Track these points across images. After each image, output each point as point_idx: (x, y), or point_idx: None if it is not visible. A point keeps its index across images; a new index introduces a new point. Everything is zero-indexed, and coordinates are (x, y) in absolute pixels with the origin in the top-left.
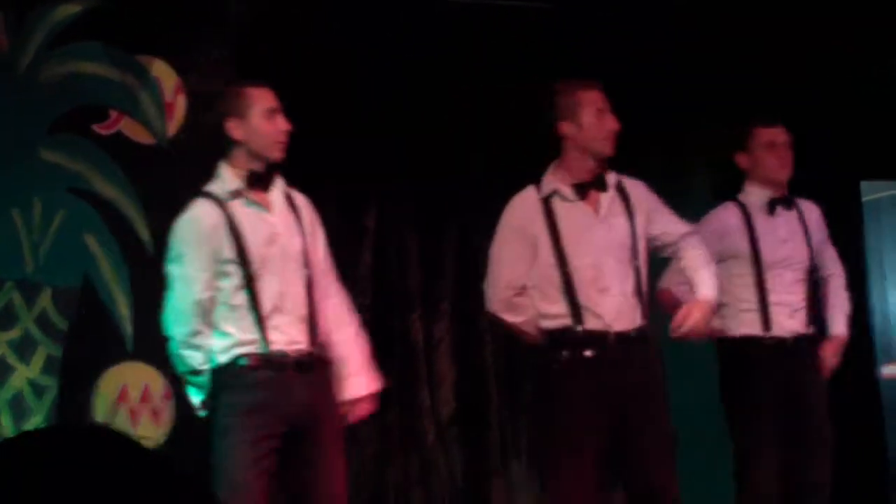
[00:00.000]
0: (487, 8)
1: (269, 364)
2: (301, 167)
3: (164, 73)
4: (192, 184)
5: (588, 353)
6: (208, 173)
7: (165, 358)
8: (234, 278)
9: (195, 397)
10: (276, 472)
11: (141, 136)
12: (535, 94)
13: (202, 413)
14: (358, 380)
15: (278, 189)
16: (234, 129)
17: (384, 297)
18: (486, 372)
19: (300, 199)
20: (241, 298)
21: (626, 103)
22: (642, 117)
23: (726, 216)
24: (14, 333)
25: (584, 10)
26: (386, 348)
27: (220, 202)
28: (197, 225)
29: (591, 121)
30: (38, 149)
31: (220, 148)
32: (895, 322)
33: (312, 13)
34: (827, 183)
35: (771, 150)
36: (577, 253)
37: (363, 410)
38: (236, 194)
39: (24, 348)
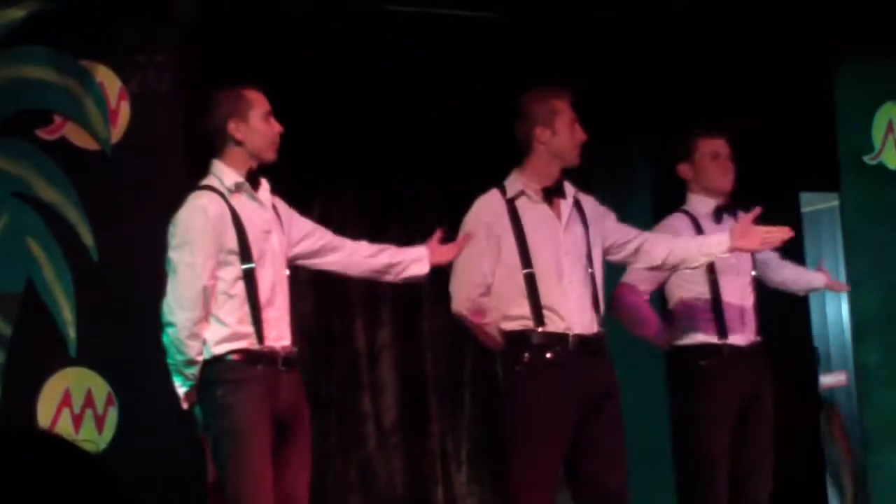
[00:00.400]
0: (435, 18)
1: (264, 359)
2: None
3: (108, 79)
4: (135, 189)
5: (549, 354)
6: (151, 179)
7: (109, 363)
8: (234, 269)
9: (182, 388)
10: None
11: (85, 141)
12: (484, 101)
13: (187, 405)
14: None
15: (266, 190)
16: (236, 129)
17: (326, 304)
18: (427, 380)
19: (280, 204)
20: (239, 289)
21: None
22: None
23: (677, 225)
24: None
25: (532, 22)
26: (327, 354)
27: (222, 195)
28: (204, 214)
29: (566, 129)
30: None
31: (163, 154)
32: (833, 331)
33: (256, 15)
34: (768, 195)
35: (714, 160)
36: (540, 255)
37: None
38: (239, 187)
39: None
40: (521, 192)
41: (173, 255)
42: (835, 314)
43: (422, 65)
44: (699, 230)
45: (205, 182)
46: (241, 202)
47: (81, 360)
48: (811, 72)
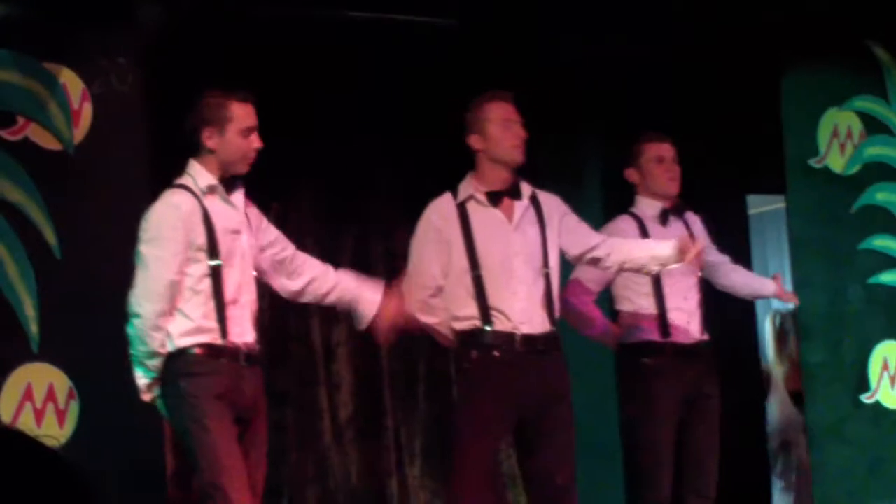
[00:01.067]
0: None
1: (226, 354)
2: None
3: (71, 81)
4: (97, 188)
5: (496, 353)
6: (113, 179)
7: (70, 359)
8: (202, 265)
9: (143, 379)
10: None
11: (48, 142)
12: (442, 106)
13: (148, 396)
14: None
15: (239, 193)
16: (209, 138)
17: (283, 301)
18: (382, 376)
19: (249, 204)
20: (206, 285)
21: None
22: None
23: (623, 227)
24: None
25: (489, 27)
26: (284, 351)
27: (195, 194)
28: (176, 211)
29: (498, 133)
30: None
31: (125, 154)
32: (778, 326)
33: (219, 18)
34: (715, 197)
35: (660, 164)
36: (488, 256)
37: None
38: (212, 190)
39: None
40: (471, 196)
41: (143, 248)
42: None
43: (381, 70)
44: (644, 232)
45: (180, 181)
46: (213, 203)
47: (43, 356)
48: (758, 79)
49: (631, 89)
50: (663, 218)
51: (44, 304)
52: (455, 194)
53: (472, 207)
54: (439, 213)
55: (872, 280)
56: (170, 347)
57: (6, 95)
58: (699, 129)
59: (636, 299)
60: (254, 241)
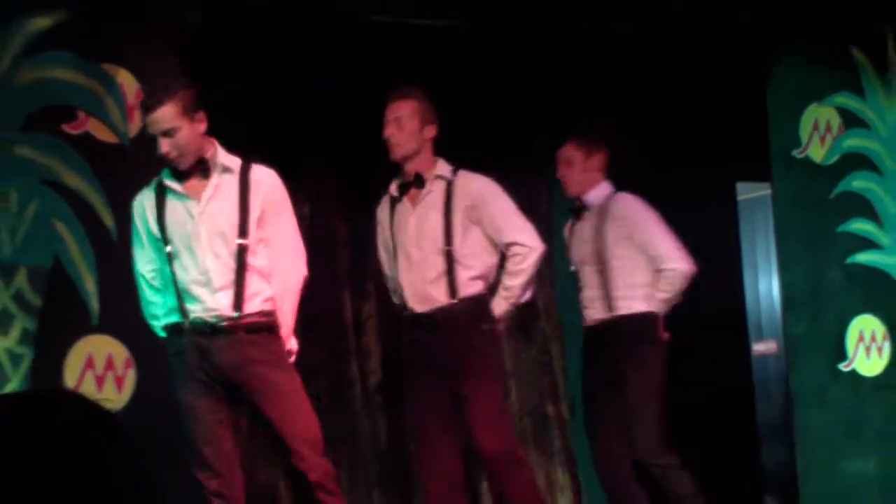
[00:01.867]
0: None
1: (187, 331)
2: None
3: (126, 81)
4: (149, 177)
5: (407, 332)
6: (162, 168)
7: (127, 331)
8: (163, 255)
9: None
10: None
11: (105, 135)
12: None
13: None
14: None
15: (218, 174)
16: None
17: (318, 278)
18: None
19: (256, 178)
20: (168, 272)
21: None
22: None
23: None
24: None
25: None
26: (319, 324)
27: (156, 189)
28: (135, 208)
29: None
30: (14, 145)
31: None
32: (765, 304)
33: (253, 27)
34: (707, 185)
35: (568, 166)
36: (398, 243)
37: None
38: (159, 183)
39: (2, 322)
40: (388, 192)
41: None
42: (766, 288)
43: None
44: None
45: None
46: (168, 197)
47: (103, 329)
48: (747, 78)
49: (630, 87)
50: (576, 213)
51: (103, 282)
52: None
53: (388, 200)
54: (380, 210)
55: (850, 260)
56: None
57: (69, 93)
58: (693, 123)
59: None
60: (234, 216)
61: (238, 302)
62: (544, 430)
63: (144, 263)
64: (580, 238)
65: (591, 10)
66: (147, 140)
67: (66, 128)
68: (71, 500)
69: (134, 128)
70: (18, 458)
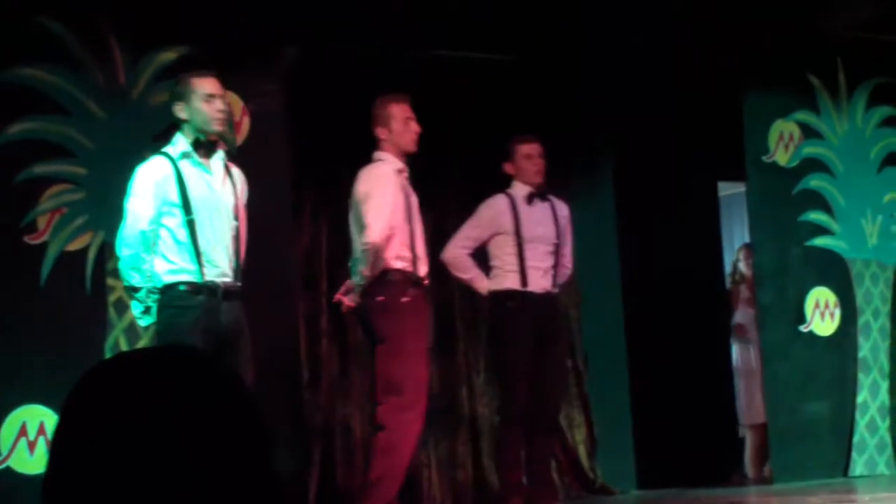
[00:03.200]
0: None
1: (204, 291)
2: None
3: (234, 101)
4: (253, 179)
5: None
6: (264, 173)
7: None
8: (178, 219)
9: (134, 310)
10: None
11: (219, 145)
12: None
13: (142, 322)
14: None
15: (218, 158)
16: (180, 110)
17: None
18: (454, 312)
19: (236, 171)
20: (183, 235)
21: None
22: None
23: (498, 203)
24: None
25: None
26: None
27: (171, 160)
28: (151, 174)
29: (399, 127)
30: (145, 153)
31: (272, 155)
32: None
33: (337, 60)
34: (692, 183)
35: (528, 160)
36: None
37: None
38: (186, 155)
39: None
40: (399, 171)
41: (126, 203)
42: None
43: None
44: (514, 209)
45: (163, 149)
46: (188, 167)
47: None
48: (726, 98)
49: (635, 106)
50: (530, 199)
51: None
52: (383, 164)
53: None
54: (383, 176)
55: (808, 243)
56: (158, 284)
57: None
58: (683, 134)
59: (504, 258)
60: (233, 199)
61: (237, 272)
62: (565, 379)
63: (147, 223)
64: (533, 219)
65: (598, 44)
66: (251, 149)
67: None
68: (193, 450)
69: (240, 138)
70: (146, 411)
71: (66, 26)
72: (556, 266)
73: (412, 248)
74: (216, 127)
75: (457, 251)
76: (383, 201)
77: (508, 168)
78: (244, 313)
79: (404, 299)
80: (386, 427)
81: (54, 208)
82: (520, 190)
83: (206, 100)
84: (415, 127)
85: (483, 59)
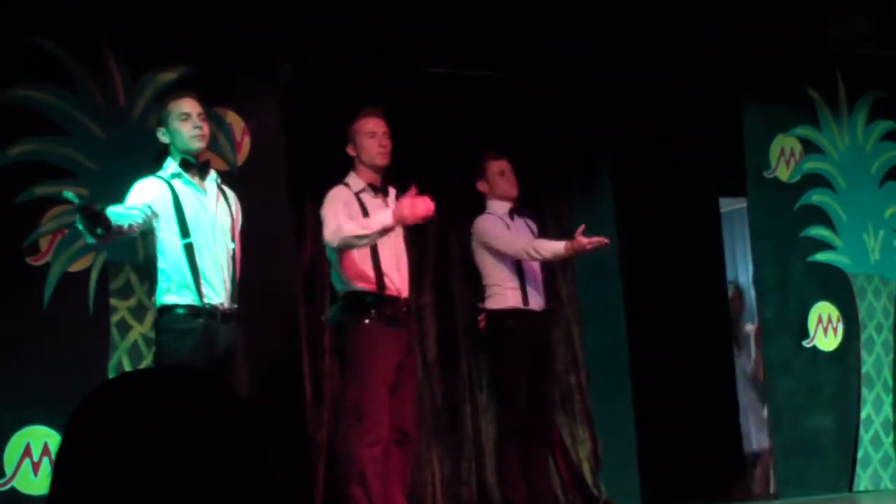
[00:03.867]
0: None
1: (204, 314)
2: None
3: (235, 120)
4: (253, 197)
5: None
6: (264, 190)
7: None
8: (177, 241)
9: (88, 239)
10: None
11: (218, 164)
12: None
13: (89, 240)
14: None
15: (211, 180)
16: (162, 135)
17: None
18: (457, 330)
19: (230, 193)
20: (181, 256)
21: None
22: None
23: (491, 221)
24: (132, 301)
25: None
26: None
27: (165, 181)
28: (148, 186)
29: (365, 142)
30: (146, 173)
31: (272, 172)
32: (749, 293)
33: (333, 73)
34: (695, 199)
35: (502, 176)
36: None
37: None
38: (177, 175)
39: (138, 313)
40: (362, 189)
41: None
42: (744, 281)
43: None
44: (508, 226)
45: (156, 173)
46: (181, 186)
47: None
48: (727, 114)
49: (636, 122)
50: (511, 215)
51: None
52: (348, 185)
53: (365, 196)
54: (344, 195)
55: (810, 258)
56: (157, 304)
57: None
58: (686, 151)
59: (503, 275)
60: (229, 219)
61: (234, 295)
62: (568, 395)
63: (141, 202)
64: (524, 233)
65: (601, 64)
66: (251, 168)
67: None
68: (196, 469)
69: (241, 158)
70: (149, 429)
71: (66, 47)
72: (544, 280)
73: (376, 266)
74: (196, 144)
75: (523, 252)
76: (331, 220)
77: (482, 186)
78: (241, 334)
79: (365, 321)
80: (353, 457)
81: (56, 229)
82: (499, 207)
83: (182, 118)
84: (381, 140)
85: (481, 75)
